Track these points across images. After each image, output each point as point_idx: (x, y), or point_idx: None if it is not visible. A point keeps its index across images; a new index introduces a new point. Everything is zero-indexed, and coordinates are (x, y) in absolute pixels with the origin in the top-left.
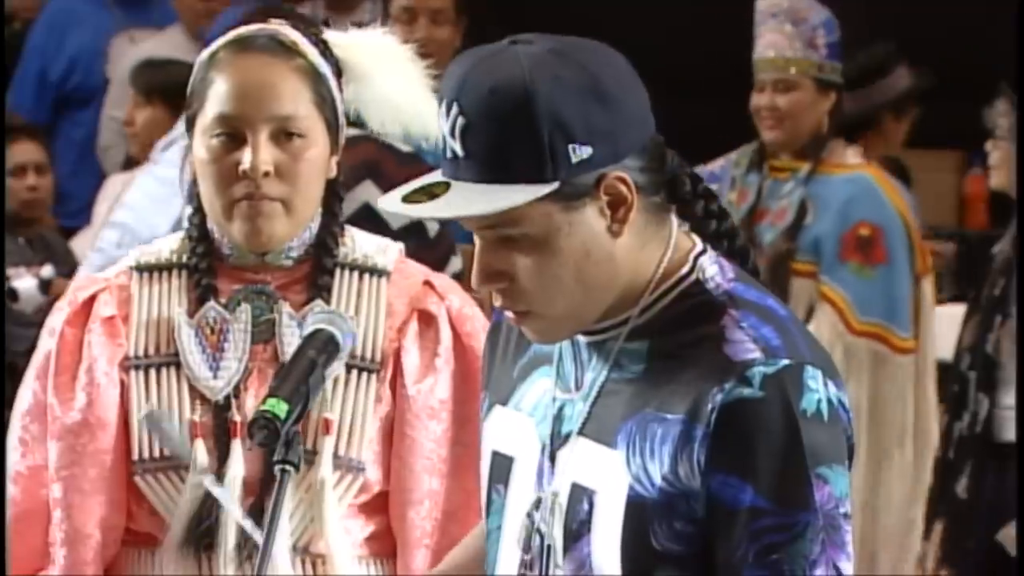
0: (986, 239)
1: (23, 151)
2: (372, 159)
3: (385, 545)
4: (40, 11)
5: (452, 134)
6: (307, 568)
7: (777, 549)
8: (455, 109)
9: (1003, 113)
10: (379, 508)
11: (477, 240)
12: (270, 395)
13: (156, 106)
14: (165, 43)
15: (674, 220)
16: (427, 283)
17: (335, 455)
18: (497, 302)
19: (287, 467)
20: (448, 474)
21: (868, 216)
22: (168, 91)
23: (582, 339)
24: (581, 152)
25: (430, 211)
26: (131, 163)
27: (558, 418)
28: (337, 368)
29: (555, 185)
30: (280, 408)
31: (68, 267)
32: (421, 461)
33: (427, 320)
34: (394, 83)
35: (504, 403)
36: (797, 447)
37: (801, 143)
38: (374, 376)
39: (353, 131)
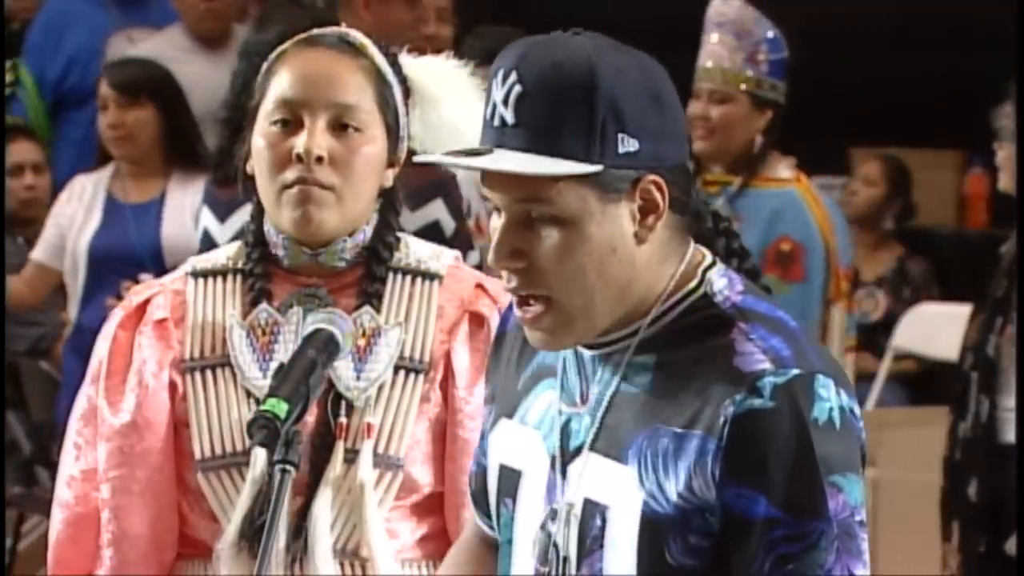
0: (986, 238)
1: (21, 151)
2: (443, 178)
3: (440, 547)
4: (38, 11)
5: (505, 102)
6: (355, 571)
7: (792, 559)
8: (513, 77)
9: (1009, 115)
10: (432, 510)
11: (501, 217)
12: (270, 395)
13: (146, 106)
14: (166, 43)
15: (692, 243)
16: (479, 286)
17: (375, 453)
18: (511, 284)
19: (287, 467)
20: None
21: (790, 231)
22: (155, 89)
23: (586, 352)
24: (629, 144)
25: (477, 163)
26: (105, 160)
27: (565, 432)
28: (385, 374)
29: (599, 168)
30: (280, 408)
31: None
32: None
33: (478, 322)
34: (460, 110)
35: (510, 416)
36: (809, 456)
37: (731, 157)
38: (421, 376)
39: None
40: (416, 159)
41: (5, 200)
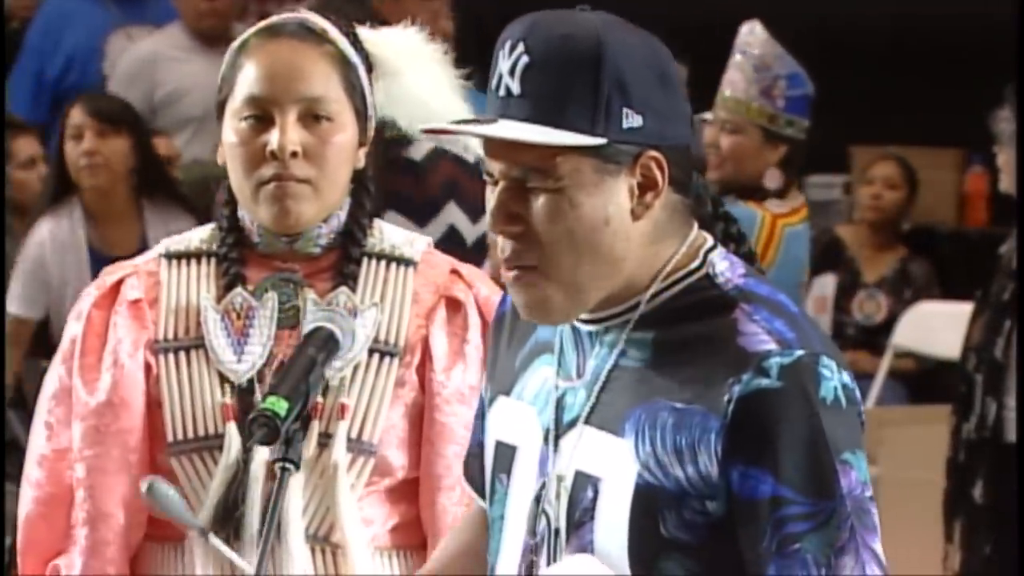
0: (986, 237)
1: (29, 145)
2: (452, 179)
3: (411, 536)
4: (38, 10)
5: (511, 72)
6: (325, 558)
7: (800, 538)
8: (520, 48)
9: (1006, 119)
10: (405, 496)
11: (498, 186)
12: (270, 393)
13: (123, 136)
14: (165, 41)
15: (695, 227)
16: (454, 271)
17: (348, 438)
18: (505, 252)
19: (287, 465)
20: None
21: None
22: (132, 122)
23: (583, 327)
24: (633, 120)
25: (481, 131)
26: (61, 193)
27: (560, 406)
28: (360, 354)
29: (602, 141)
30: (280, 406)
31: None
32: (452, 447)
33: (454, 307)
34: (424, 81)
35: (507, 393)
36: (819, 436)
37: (740, 188)
38: (396, 360)
39: (426, 145)
40: (420, 128)
41: (5, 199)
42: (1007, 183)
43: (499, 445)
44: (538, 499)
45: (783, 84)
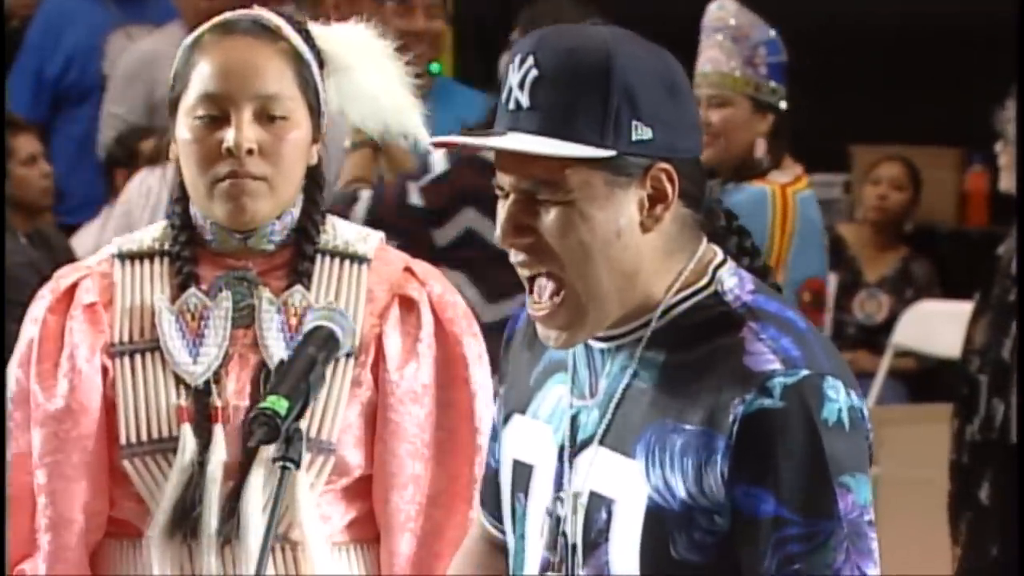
0: (986, 236)
1: (29, 143)
2: (472, 185)
3: (367, 531)
4: (38, 9)
5: (521, 85)
6: (285, 555)
7: (799, 559)
8: (530, 61)
9: (1011, 119)
10: (361, 493)
11: (508, 199)
12: (270, 392)
13: None
14: (165, 40)
15: (704, 241)
16: (407, 269)
17: (307, 437)
18: (518, 259)
19: (288, 464)
20: (431, 458)
21: None
22: None
23: (596, 345)
24: (642, 132)
25: (489, 142)
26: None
27: (574, 424)
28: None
29: (612, 153)
30: (280, 405)
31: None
32: (404, 445)
33: (408, 305)
34: (374, 78)
35: (523, 412)
36: (819, 457)
37: (734, 162)
38: (351, 360)
39: (442, 162)
40: (431, 140)
41: (5, 197)
42: (1007, 182)
43: (516, 464)
44: (551, 515)
45: (763, 51)
